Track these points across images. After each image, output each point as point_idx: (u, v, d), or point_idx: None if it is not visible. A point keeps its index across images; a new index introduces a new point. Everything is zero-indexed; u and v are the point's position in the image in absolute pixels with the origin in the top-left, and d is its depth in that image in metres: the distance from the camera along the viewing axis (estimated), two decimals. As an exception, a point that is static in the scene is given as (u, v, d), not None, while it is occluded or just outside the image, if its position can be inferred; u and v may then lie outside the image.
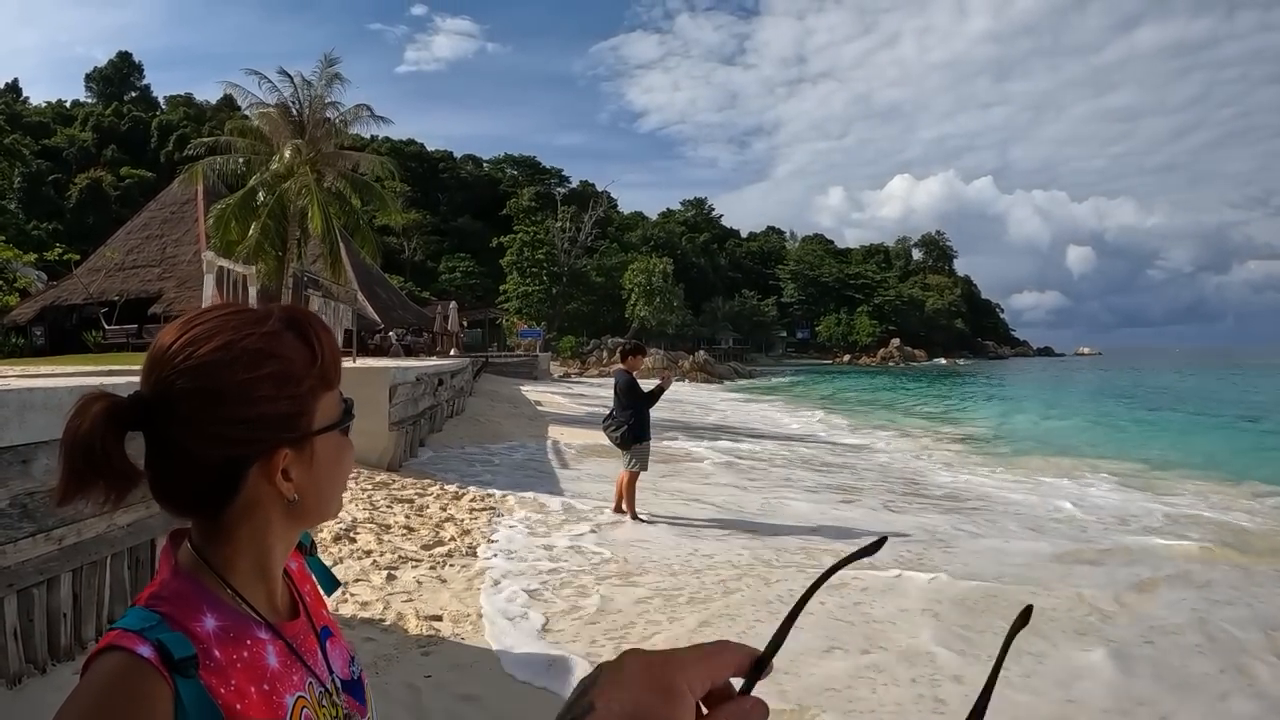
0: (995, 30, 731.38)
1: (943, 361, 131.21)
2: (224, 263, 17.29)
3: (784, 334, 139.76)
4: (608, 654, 5.57)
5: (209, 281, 15.69)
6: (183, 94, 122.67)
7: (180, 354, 1.03)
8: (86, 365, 16.49)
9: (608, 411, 10.76)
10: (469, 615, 6.27)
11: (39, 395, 4.38)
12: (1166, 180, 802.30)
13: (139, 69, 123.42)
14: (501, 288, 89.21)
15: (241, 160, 28.81)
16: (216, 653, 1.00)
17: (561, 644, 5.86)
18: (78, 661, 4.69)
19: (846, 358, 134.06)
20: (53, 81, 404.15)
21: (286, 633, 1.13)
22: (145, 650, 0.93)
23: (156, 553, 5.40)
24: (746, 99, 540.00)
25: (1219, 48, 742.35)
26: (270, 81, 28.95)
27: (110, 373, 8.48)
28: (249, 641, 1.06)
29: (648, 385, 10.86)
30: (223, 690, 0.98)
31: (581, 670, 5.24)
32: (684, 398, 39.01)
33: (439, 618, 6.11)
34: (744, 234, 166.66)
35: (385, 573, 7.07)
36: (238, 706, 0.98)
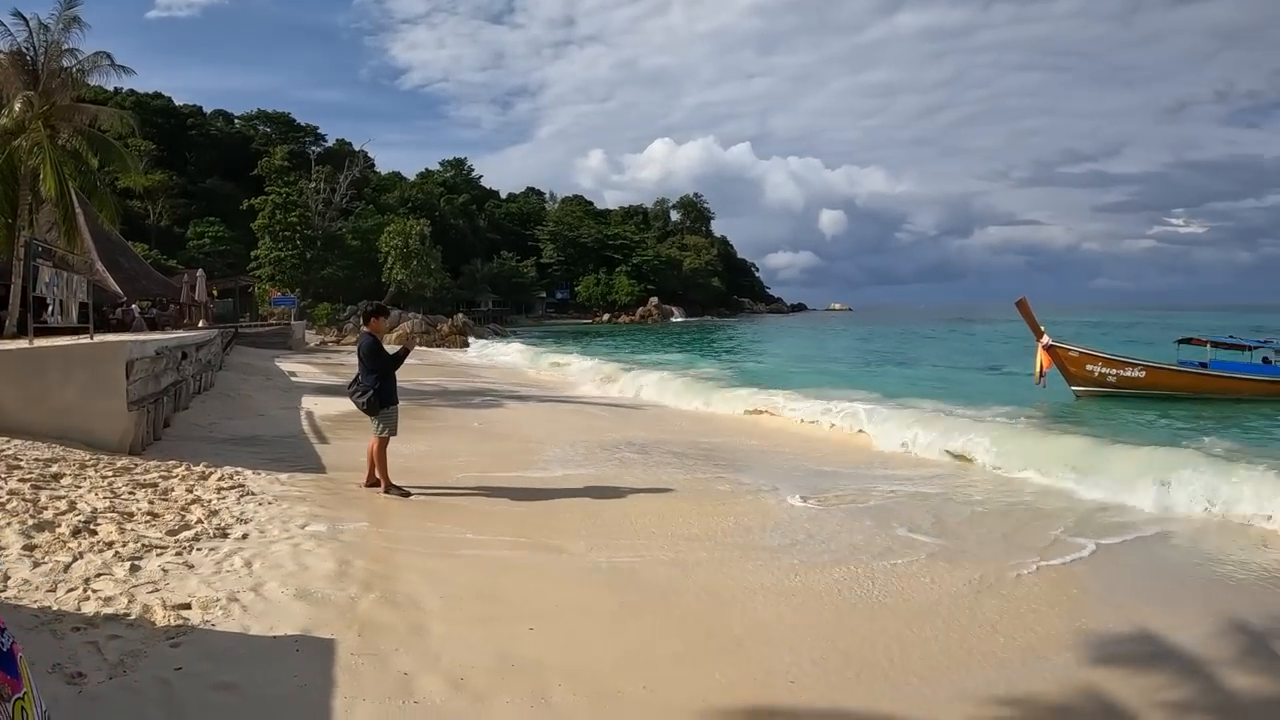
0: (763, 4, 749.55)
1: (705, 318, 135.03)
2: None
3: (544, 295, 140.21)
4: (363, 632, 5.58)
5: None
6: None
7: None
8: None
9: (353, 378, 10.43)
10: (219, 600, 5.93)
11: None
12: (917, 152, 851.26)
13: None
14: (253, 253, 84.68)
15: (-35, 114, 26.32)
16: None
17: (316, 624, 5.68)
18: None
19: (606, 317, 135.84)
20: None
21: None
22: None
23: None
24: (513, 59, 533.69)
25: (974, 35, 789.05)
26: (3, 25, 26.66)
27: None
28: None
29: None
30: None
31: (339, 649, 5.23)
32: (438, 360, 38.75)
33: (188, 606, 5.73)
34: (504, 195, 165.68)
35: (129, 564, 6.48)
36: None
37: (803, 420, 17.55)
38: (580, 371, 30.68)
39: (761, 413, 19.13)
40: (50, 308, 16.28)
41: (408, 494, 9.96)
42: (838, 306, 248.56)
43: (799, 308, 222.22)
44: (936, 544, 8.32)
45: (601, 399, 23.56)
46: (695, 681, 4.96)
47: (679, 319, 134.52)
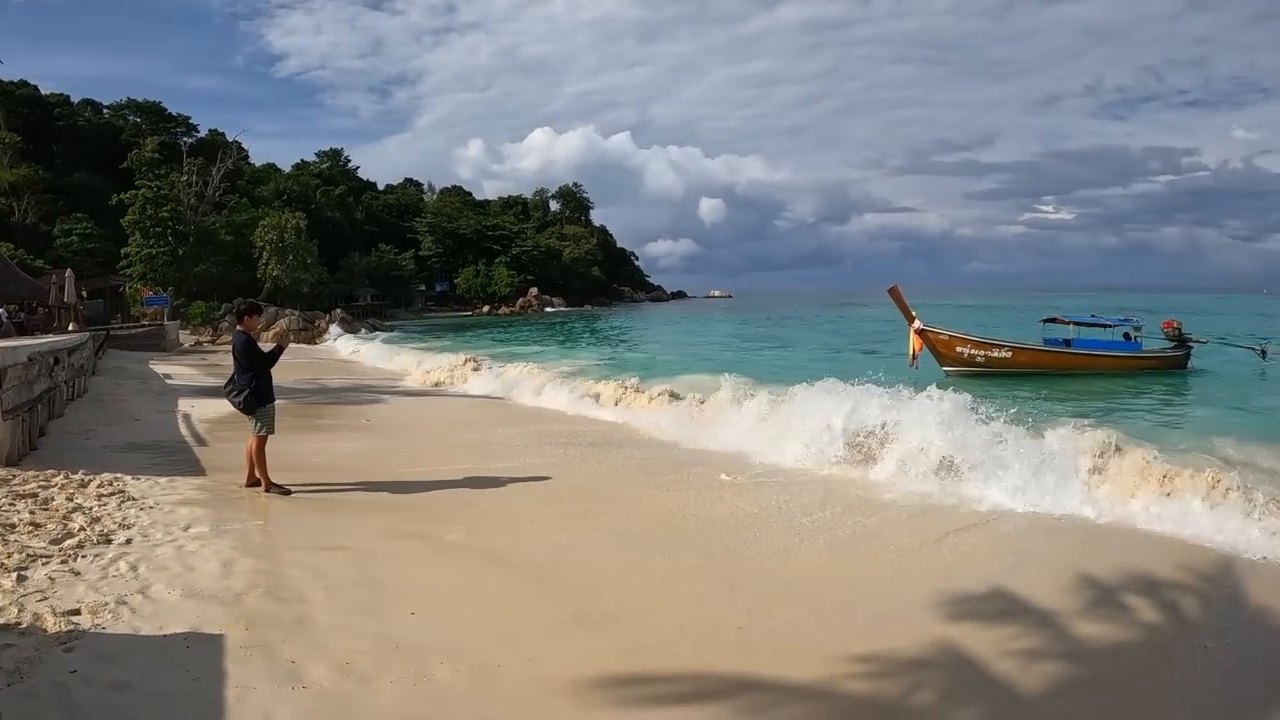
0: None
1: (585, 308, 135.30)
2: None
3: (423, 288, 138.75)
4: (250, 626, 5.81)
5: None
6: None
7: None
8: None
9: (228, 377, 10.44)
10: (107, 604, 6.05)
11: None
12: (795, 141, 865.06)
13: None
14: (124, 251, 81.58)
15: None
16: None
17: (204, 621, 5.84)
18: None
19: (486, 309, 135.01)
20: None
21: None
22: None
23: None
24: (392, 46, 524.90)
25: (852, 28, 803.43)
26: None
27: None
28: None
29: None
30: None
31: (228, 643, 5.43)
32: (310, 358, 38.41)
33: (77, 611, 5.86)
34: (382, 186, 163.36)
35: (15, 574, 6.53)
36: None
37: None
38: (447, 366, 30.62)
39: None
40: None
41: (288, 491, 10.07)
42: (717, 293, 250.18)
43: (679, 295, 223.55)
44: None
45: (469, 393, 23.77)
46: (569, 653, 5.31)
47: (559, 309, 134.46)
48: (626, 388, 19.45)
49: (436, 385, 26.07)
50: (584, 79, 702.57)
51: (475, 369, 27.06)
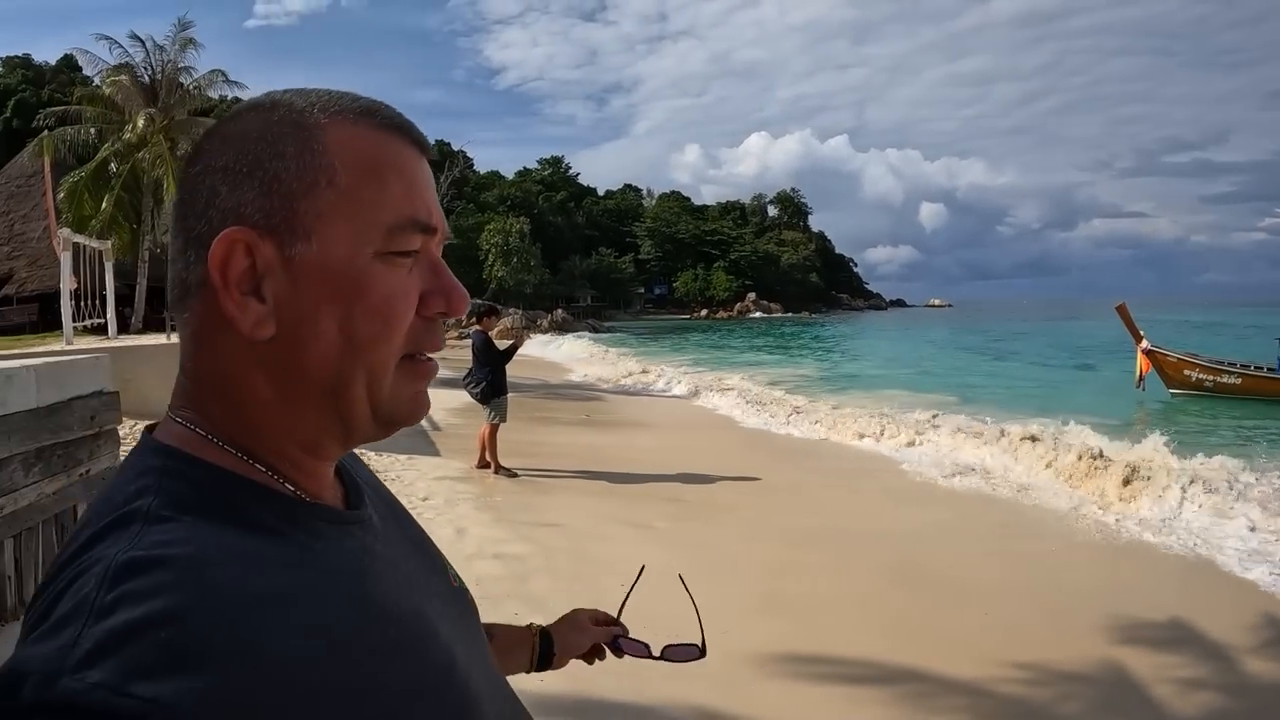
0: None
1: (801, 315, 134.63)
2: (80, 238, 17.34)
3: (642, 290, 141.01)
4: (478, 583, 6.64)
5: (65, 260, 15.69)
6: (19, 54, 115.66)
7: None
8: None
9: (467, 369, 11.60)
10: None
11: None
12: (1016, 142, 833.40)
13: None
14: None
15: (93, 130, 28.15)
16: None
17: None
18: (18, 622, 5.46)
19: (704, 313, 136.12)
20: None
21: None
22: None
23: (79, 517, 6.03)
24: (606, 55, 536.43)
25: (1071, 19, 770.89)
26: (121, 46, 28.43)
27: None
28: None
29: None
30: None
31: None
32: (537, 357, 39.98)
33: None
34: (601, 192, 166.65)
35: None
36: None
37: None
38: (667, 373, 31.15)
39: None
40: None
41: (515, 474, 11.17)
42: (937, 302, 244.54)
43: (898, 304, 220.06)
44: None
45: (681, 395, 24.38)
46: (757, 630, 5.89)
47: (776, 315, 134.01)
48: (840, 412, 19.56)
49: (651, 386, 26.90)
50: (797, 82, 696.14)
51: (690, 374, 27.68)
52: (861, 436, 15.29)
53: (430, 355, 0.90)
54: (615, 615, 1.61)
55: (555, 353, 41.81)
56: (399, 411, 0.88)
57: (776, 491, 10.79)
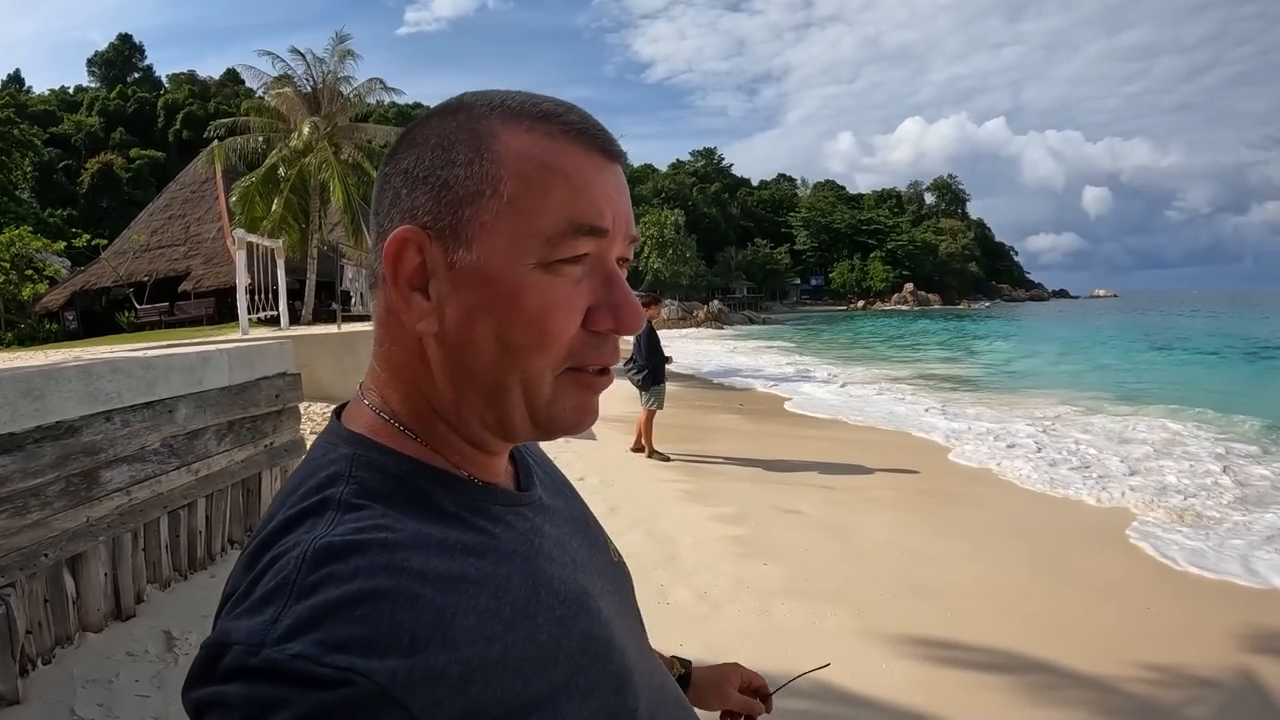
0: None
1: (957, 305, 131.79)
2: (252, 238, 18.25)
3: (798, 282, 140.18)
4: (629, 556, 6.85)
5: (240, 257, 16.60)
6: (185, 71, 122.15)
7: None
8: (133, 343, 17.65)
9: (628, 357, 11.97)
10: None
11: (177, 359, 5.63)
12: (1182, 120, 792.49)
13: (140, 50, 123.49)
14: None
15: (261, 138, 29.98)
16: None
17: None
18: (209, 570, 5.97)
19: (860, 304, 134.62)
20: (54, 68, 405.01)
21: None
22: None
23: (264, 485, 6.71)
24: (754, 45, 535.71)
25: None
26: (283, 60, 29.93)
27: (170, 346, 9.86)
28: None
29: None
30: None
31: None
32: (698, 347, 40.20)
33: None
34: (755, 182, 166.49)
35: None
36: None
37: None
38: (821, 365, 30.86)
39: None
40: (353, 299, 18.72)
41: (668, 459, 11.61)
42: (1102, 292, 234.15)
43: (1061, 294, 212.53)
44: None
45: (834, 387, 24.11)
46: (892, 613, 5.98)
47: (935, 306, 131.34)
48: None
49: (806, 375, 26.85)
50: (951, 64, 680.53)
51: (844, 365, 27.48)
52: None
53: (601, 368, 0.91)
54: (770, 691, 1.51)
55: (710, 346, 42.12)
56: (560, 421, 0.90)
57: (932, 485, 10.67)
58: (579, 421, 0.92)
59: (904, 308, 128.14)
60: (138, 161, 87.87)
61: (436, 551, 0.78)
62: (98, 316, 39.58)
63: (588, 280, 0.87)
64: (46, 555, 4.44)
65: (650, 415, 11.81)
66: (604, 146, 0.89)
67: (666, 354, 12.27)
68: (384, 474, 0.85)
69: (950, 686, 4.93)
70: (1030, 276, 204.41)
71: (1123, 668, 5.24)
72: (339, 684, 0.65)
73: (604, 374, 0.91)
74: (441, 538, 0.80)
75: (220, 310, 35.06)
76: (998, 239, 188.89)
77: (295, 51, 29.96)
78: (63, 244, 39.03)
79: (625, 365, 11.87)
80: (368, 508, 0.80)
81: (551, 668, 0.80)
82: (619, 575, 1.13)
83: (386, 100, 33.40)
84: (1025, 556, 7.61)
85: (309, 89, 29.77)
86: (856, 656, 5.24)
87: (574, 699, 0.81)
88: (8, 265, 35.60)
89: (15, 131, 58.71)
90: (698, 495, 9.62)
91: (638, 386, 11.83)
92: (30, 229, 38.80)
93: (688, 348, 37.71)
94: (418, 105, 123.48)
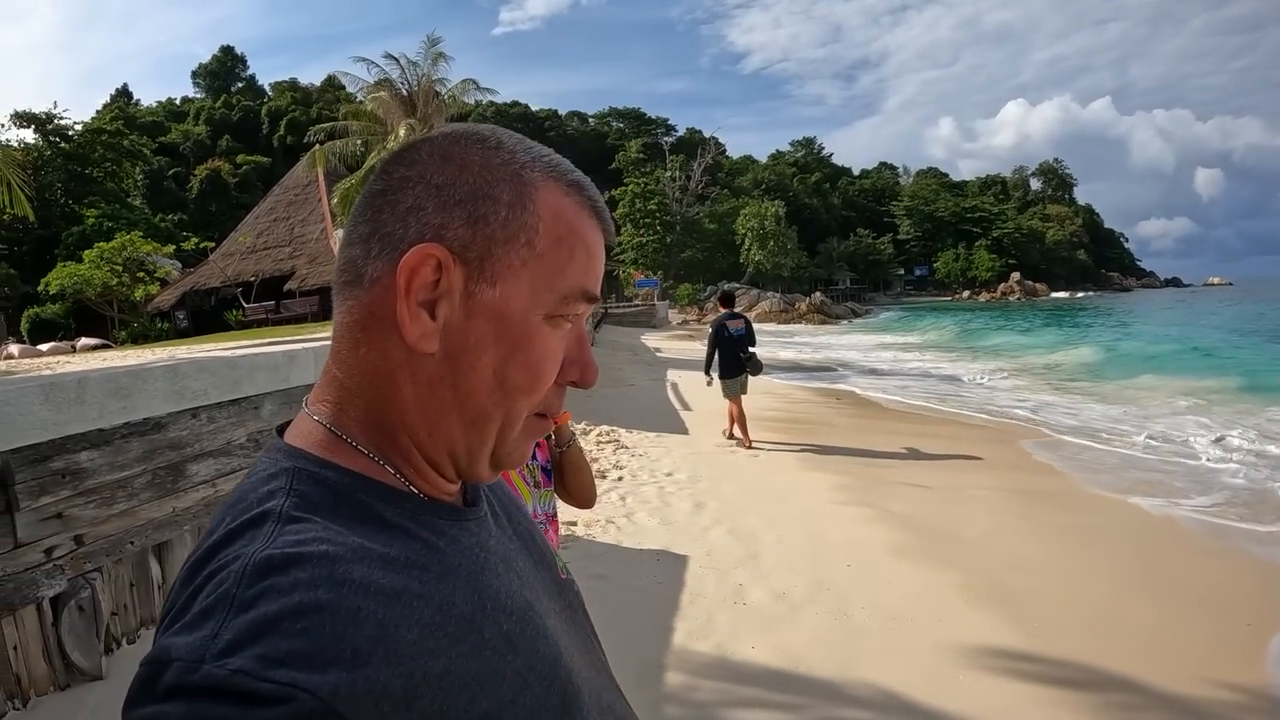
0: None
1: (1064, 295, 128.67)
2: (354, 238, 18.67)
3: (901, 272, 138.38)
4: (711, 553, 7.22)
5: (342, 257, 16.96)
6: (287, 79, 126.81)
7: None
8: (245, 340, 18.17)
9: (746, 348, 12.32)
10: (599, 520, 8.05)
11: (261, 359, 5.88)
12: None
13: (242, 60, 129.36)
14: (616, 239, 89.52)
15: (359, 142, 30.68)
16: None
17: (673, 544, 7.49)
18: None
19: (966, 294, 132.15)
20: (160, 81, 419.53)
21: None
22: None
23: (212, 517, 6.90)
24: (850, 31, 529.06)
25: None
26: (379, 66, 30.60)
27: (272, 343, 10.18)
28: None
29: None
30: None
31: (690, 563, 6.95)
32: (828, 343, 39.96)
33: (574, 523, 7.77)
34: (856, 171, 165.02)
35: None
36: None
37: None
38: (925, 356, 30.40)
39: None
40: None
41: (758, 450, 11.85)
42: (1216, 280, 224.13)
43: (1173, 282, 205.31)
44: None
45: (939, 379, 23.94)
46: (975, 620, 5.87)
47: (1044, 296, 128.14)
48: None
49: (907, 368, 26.69)
50: (1052, 43, 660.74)
51: (952, 357, 27.10)
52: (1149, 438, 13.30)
53: (547, 415, 0.97)
54: None
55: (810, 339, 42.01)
56: (510, 459, 0.95)
57: (1033, 483, 10.30)
58: (521, 460, 0.97)
59: (1012, 298, 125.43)
60: (244, 167, 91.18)
61: (379, 564, 0.78)
62: (207, 315, 41.19)
63: (566, 337, 0.94)
64: (133, 543, 4.77)
65: (739, 404, 12.14)
66: (606, 228, 0.99)
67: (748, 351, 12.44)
68: (325, 487, 0.85)
69: (1021, 703, 4.76)
70: (1141, 264, 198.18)
71: (1212, 689, 4.98)
72: (281, 700, 0.65)
73: (548, 420, 0.98)
74: (384, 551, 0.81)
75: (324, 308, 36.09)
76: (1107, 225, 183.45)
77: (390, 57, 30.79)
78: (173, 247, 40.71)
79: (744, 357, 12.22)
80: (309, 520, 0.80)
81: (498, 684, 0.80)
82: (568, 592, 1.13)
83: (484, 100, 33.84)
84: (1119, 563, 7.36)
85: (405, 92, 30.34)
86: (929, 667, 5.13)
87: (520, 716, 0.81)
88: (120, 268, 37.29)
89: (125, 142, 61.99)
90: (784, 490, 9.60)
91: (750, 374, 12.22)
92: (141, 233, 40.53)
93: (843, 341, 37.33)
94: (514, 104, 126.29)
